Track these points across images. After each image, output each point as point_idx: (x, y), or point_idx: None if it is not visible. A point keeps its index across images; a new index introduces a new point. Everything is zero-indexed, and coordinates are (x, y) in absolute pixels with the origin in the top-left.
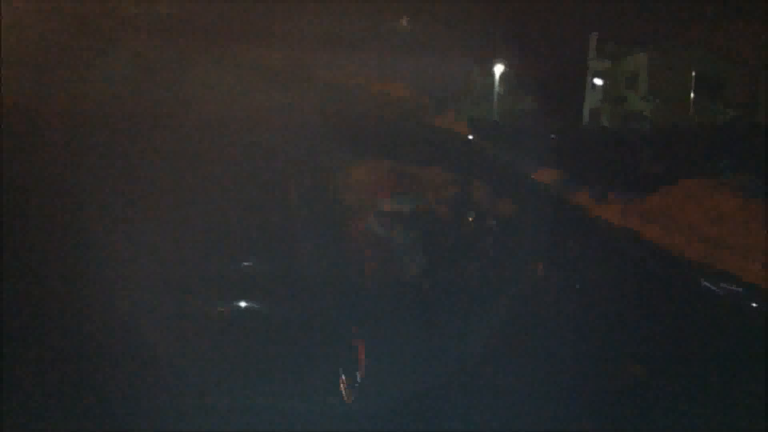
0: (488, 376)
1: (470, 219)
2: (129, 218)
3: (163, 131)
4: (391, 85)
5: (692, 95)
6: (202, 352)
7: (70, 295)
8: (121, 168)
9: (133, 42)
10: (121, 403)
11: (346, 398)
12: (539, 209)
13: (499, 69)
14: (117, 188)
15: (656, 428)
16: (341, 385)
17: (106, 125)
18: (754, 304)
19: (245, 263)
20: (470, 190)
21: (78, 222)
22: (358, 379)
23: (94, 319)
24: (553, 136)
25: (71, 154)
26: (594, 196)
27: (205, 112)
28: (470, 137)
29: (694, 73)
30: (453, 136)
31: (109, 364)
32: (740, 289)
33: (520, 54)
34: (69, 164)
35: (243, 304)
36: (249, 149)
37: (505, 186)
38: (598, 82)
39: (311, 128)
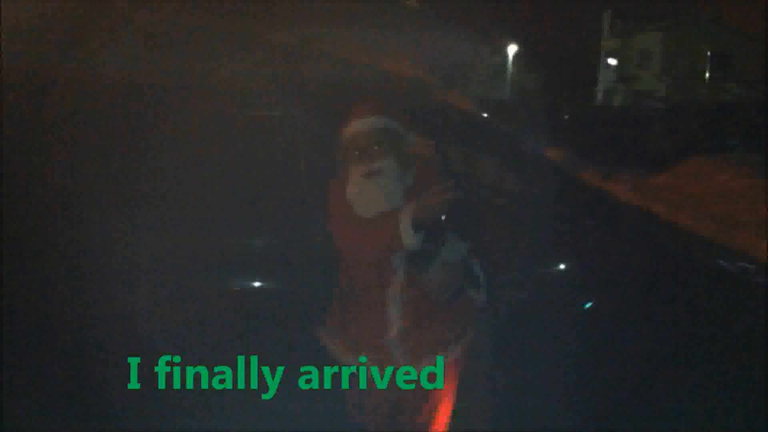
0: (491, 371)
1: (478, 201)
2: (136, 196)
3: (171, 107)
4: (398, 62)
5: (707, 73)
6: (212, 336)
7: (74, 274)
8: (127, 145)
9: (136, 18)
10: (121, 399)
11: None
12: (548, 186)
13: (510, 47)
14: (123, 165)
15: (666, 412)
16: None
17: (111, 102)
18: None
19: (255, 239)
20: (481, 167)
21: (83, 197)
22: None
23: (99, 304)
24: (565, 116)
25: (75, 133)
26: (601, 174)
27: (211, 87)
28: (485, 115)
29: (709, 53)
30: (465, 114)
31: (111, 358)
32: (753, 266)
33: (532, 32)
34: (73, 142)
35: (257, 284)
36: (258, 125)
37: (515, 163)
38: (611, 61)
39: (319, 104)
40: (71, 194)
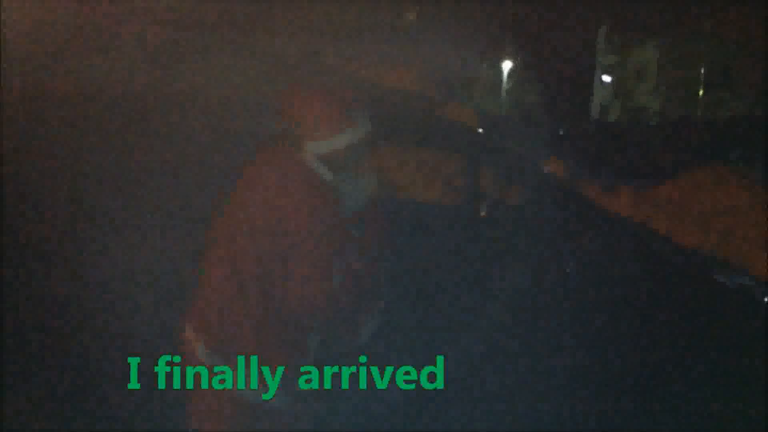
0: (492, 373)
1: (482, 214)
2: (136, 199)
3: (175, 120)
4: (399, 75)
5: (701, 89)
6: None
7: (74, 275)
8: (133, 157)
9: (139, 30)
10: (121, 399)
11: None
12: (549, 200)
13: (507, 63)
14: (125, 169)
15: (664, 423)
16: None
17: (117, 113)
18: (766, 299)
19: None
20: (481, 181)
21: (83, 200)
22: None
23: (99, 304)
24: (561, 131)
25: (82, 139)
26: (603, 187)
27: (213, 100)
28: (480, 130)
29: (702, 70)
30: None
31: (111, 358)
32: (752, 283)
33: (529, 47)
34: (82, 148)
35: None
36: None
37: (515, 177)
38: (606, 79)
39: None
40: (72, 197)
